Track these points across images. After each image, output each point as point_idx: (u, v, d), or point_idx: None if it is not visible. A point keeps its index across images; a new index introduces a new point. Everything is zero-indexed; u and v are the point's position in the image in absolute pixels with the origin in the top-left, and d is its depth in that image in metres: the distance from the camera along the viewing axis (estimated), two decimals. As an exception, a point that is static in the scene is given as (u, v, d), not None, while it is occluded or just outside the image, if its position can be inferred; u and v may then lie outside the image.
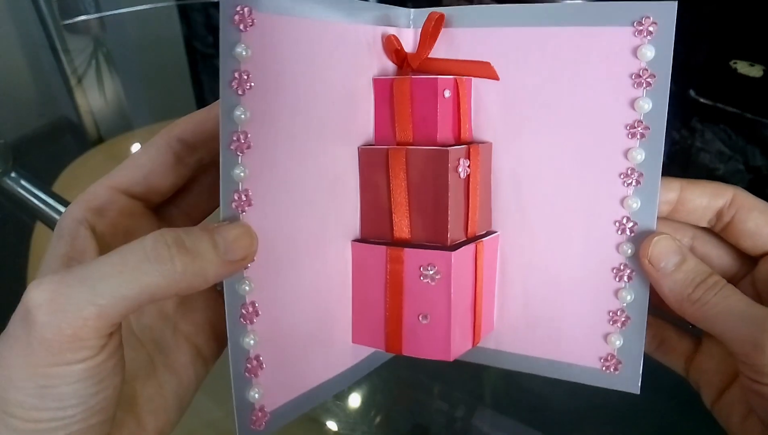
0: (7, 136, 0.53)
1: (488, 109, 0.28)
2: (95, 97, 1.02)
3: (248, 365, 0.23)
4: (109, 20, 1.07)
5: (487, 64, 0.27)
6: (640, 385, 0.27)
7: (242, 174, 0.23)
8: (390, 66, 0.29)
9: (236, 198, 0.23)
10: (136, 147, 0.99)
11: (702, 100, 0.69)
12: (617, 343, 0.27)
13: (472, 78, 0.28)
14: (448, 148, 0.26)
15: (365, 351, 0.29)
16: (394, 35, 0.28)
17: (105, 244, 0.24)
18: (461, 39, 0.28)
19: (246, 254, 0.21)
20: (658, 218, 0.26)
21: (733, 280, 0.27)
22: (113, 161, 0.96)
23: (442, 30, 0.28)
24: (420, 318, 0.27)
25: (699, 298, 0.24)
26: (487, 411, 0.41)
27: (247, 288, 0.23)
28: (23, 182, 0.51)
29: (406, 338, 0.27)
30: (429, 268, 0.26)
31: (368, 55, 0.28)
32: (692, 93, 0.70)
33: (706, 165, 0.71)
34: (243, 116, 0.22)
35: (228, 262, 0.20)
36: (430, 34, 0.28)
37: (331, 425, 0.48)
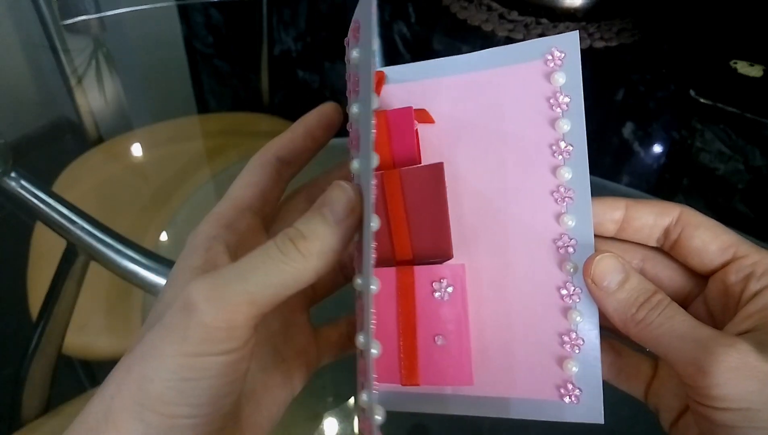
0: (7, 136, 0.52)
1: (427, 149, 0.30)
2: (95, 97, 1.02)
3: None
4: (109, 20, 1.07)
5: (424, 110, 0.30)
6: (603, 413, 0.25)
7: None
8: None
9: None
10: (136, 147, 0.99)
11: (702, 100, 0.70)
12: (573, 369, 0.26)
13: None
14: (440, 162, 0.27)
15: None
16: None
17: (236, 259, 0.25)
18: (396, 93, 0.31)
19: (350, 209, 0.22)
20: (607, 238, 0.27)
21: (686, 300, 0.27)
22: (113, 161, 0.96)
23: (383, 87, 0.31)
24: (435, 340, 0.26)
25: (642, 319, 0.23)
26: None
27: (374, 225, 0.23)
28: (23, 182, 0.51)
29: (422, 367, 0.26)
30: (441, 282, 0.26)
31: None
32: (692, 93, 0.70)
33: (706, 165, 0.71)
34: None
35: (339, 224, 0.22)
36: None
37: (331, 424, 0.48)
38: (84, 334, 0.71)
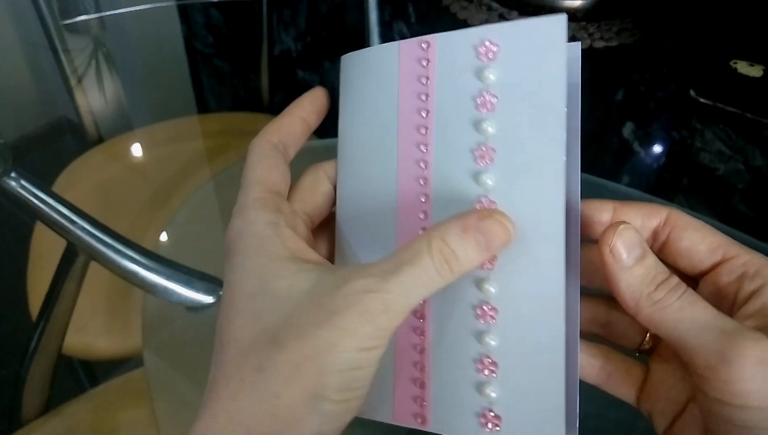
0: (7, 136, 0.52)
1: None
2: (95, 97, 1.02)
3: None
4: (109, 20, 1.07)
5: None
6: None
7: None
8: None
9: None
10: (136, 147, 0.99)
11: (702, 100, 0.70)
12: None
13: None
14: None
15: None
16: None
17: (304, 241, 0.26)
18: None
19: (503, 244, 0.24)
20: (594, 242, 0.25)
21: None
22: (113, 161, 0.96)
23: None
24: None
25: (660, 299, 0.22)
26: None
27: None
28: (23, 182, 0.51)
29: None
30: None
31: None
32: (692, 93, 0.70)
33: (706, 165, 0.71)
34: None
35: (489, 252, 0.24)
36: None
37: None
38: (84, 334, 0.71)
